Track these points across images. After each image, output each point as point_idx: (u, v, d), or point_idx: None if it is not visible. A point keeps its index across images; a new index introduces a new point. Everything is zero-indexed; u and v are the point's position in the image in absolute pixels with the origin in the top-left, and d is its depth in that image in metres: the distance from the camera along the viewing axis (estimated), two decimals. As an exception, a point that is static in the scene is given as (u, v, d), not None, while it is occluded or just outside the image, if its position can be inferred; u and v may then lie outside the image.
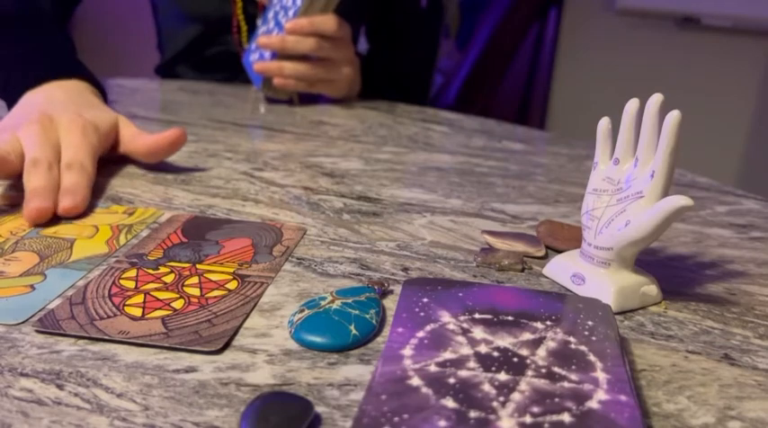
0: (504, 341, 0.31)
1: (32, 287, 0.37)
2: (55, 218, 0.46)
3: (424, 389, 0.27)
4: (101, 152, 0.55)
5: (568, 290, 0.40)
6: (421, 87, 1.11)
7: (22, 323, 0.33)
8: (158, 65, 1.07)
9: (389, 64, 1.04)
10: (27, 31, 0.69)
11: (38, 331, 0.33)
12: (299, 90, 0.84)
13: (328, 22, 0.79)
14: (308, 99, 0.87)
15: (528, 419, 0.25)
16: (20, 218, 0.46)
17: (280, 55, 0.81)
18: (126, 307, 0.35)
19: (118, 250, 0.42)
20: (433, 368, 0.28)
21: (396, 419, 0.25)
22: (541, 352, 0.30)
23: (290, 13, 0.80)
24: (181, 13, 0.98)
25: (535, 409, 0.26)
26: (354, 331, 0.33)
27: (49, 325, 0.33)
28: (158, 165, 0.59)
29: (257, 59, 0.85)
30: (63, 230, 0.45)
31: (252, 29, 0.92)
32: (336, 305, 0.35)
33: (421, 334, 0.31)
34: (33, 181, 0.47)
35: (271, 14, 0.85)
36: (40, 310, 0.35)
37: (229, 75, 0.98)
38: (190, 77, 1.01)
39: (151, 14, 1.06)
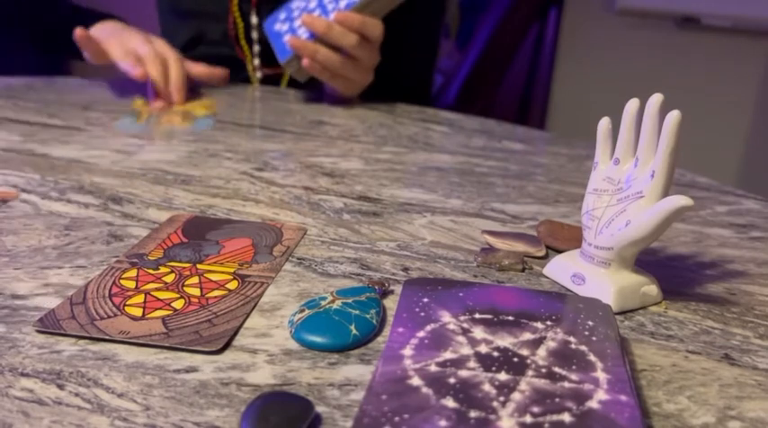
0: (505, 341, 0.31)
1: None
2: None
3: (425, 389, 0.27)
4: None
5: (568, 290, 0.40)
6: (421, 87, 1.11)
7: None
8: None
9: (390, 64, 1.04)
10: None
11: (38, 331, 0.33)
12: (320, 77, 0.83)
13: (377, 27, 0.79)
14: (307, 98, 0.87)
15: (528, 419, 0.25)
16: (146, 102, 0.79)
17: (318, 39, 0.80)
18: (126, 307, 0.35)
19: (216, 114, 0.78)
20: (433, 368, 0.28)
21: (396, 419, 0.25)
22: (542, 352, 0.30)
23: (342, 3, 0.80)
24: (178, 10, 0.98)
25: (535, 409, 0.26)
26: (354, 331, 0.33)
27: (49, 325, 0.33)
28: (158, 165, 0.59)
29: (286, 31, 0.84)
30: (178, 109, 0.79)
31: (248, 25, 0.93)
32: (337, 305, 0.35)
33: (421, 333, 0.31)
34: (154, 72, 0.80)
35: None
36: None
37: (230, 76, 0.98)
38: None
39: (154, 14, 1.06)
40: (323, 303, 0.35)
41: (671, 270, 0.44)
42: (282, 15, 0.87)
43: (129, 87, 0.85)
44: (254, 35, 0.95)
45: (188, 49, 1.00)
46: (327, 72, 0.82)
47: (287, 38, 0.82)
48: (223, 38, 0.96)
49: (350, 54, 0.81)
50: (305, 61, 0.81)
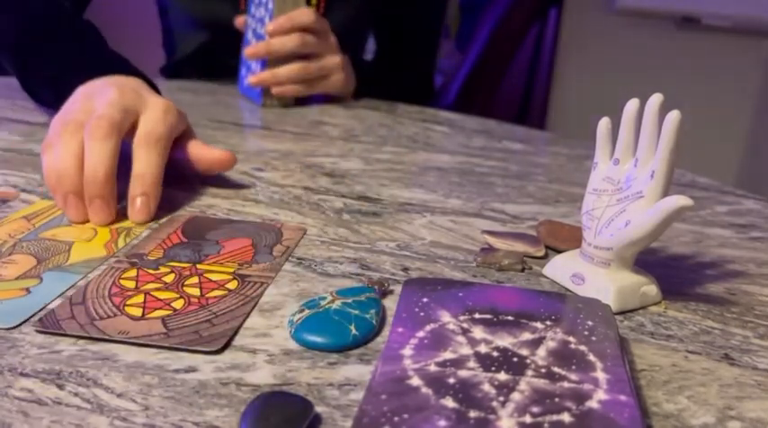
0: (504, 341, 0.31)
1: (28, 290, 0.37)
2: (54, 221, 0.46)
3: (424, 389, 0.27)
4: (172, 138, 0.52)
5: (568, 290, 0.40)
6: (423, 87, 1.11)
7: (15, 327, 0.33)
8: (164, 66, 1.07)
9: (391, 65, 1.05)
10: (66, 30, 0.67)
11: (38, 331, 0.33)
12: (299, 94, 0.84)
13: (304, 13, 0.80)
14: (305, 99, 0.87)
15: (528, 419, 0.25)
16: (19, 220, 0.46)
17: (270, 64, 0.81)
18: (126, 307, 0.35)
19: (116, 253, 0.42)
20: (432, 368, 0.28)
21: (396, 419, 0.25)
22: (541, 351, 0.30)
23: (267, 20, 0.81)
24: (191, 18, 0.98)
25: (535, 409, 0.26)
26: (354, 331, 0.33)
27: (49, 324, 0.33)
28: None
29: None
30: (61, 233, 0.44)
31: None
32: (336, 305, 0.35)
33: (421, 333, 0.31)
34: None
35: (250, 34, 0.86)
36: (33, 314, 0.34)
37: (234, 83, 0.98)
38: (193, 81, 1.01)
39: (155, 15, 1.06)
40: (322, 303, 0.35)
41: (671, 270, 0.44)
42: (243, 71, 0.88)
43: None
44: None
45: (199, 58, 1.00)
46: (301, 84, 0.83)
47: (247, 81, 0.83)
48: (236, 45, 0.95)
49: (304, 54, 0.81)
50: (274, 89, 0.82)
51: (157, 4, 1.04)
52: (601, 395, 0.27)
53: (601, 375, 0.28)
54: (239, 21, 0.88)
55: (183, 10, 0.98)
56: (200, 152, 0.54)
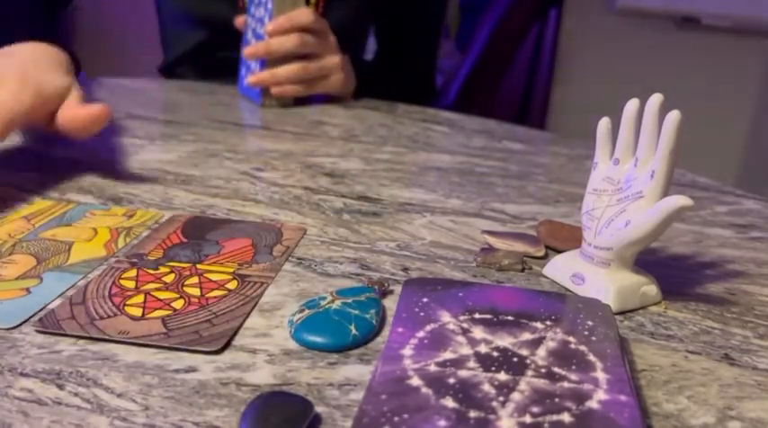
0: (504, 341, 0.31)
1: (28, 290, 0.37)
2: (54, 221, 0.46)
3: (424, 389, 0.27)
4: (34, 116, 0.51)
5: (568, 290, 0.40)
6: (423, 87, 1.11)
7: (16, 327, 0.33)
8: (162, 65, 1.07)
9: (394, 68, 1.05)
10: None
11: (38, 331, 0.33)
12: (298, 95, 0.84)
13: (304, 13, 0.80)
14: (305, 99, 0.87)
15: (528, 419, 0.25)
16: (19, 220, 0.46)
17: (269, 64, 0.82)
18: (126, 307, 0.35)
19: (116, 253, 0.42)
20: (432, 368, 0.28)
21: (396, 419, 0.25)
22: (541, 351, 0.30)
23: (266, 20, 0.81)
24: (188, 16, 0.98)
25: (535, 409, 0.26)
26: (354, 331, 0.33)
27: (49, 324, 0.33)
28: (158, 165, 0.59)
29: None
30: (61, 233, 0.44)
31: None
32: (336, 305, 0.35)
33: (421, 333, 0.31)
34: None
35: (249, 34, 0.86)
36: (34, 314, 0.34)
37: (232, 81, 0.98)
38: (192, 80, 1.01)
39: (153, 14, 1.06)
40: (322, 303, 0.35)
41: (671, 270, 0.44)
42: (243, 70, 0.88)
43: (122, 92, 0.84)
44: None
45: (196, 56, 1.00)
46: (300, 85, 0.83)
47: (246, 81, 0.83)
48: (234, 42, 0.95)
49: (304, 55, 0.81)
50: (273, 90, 0.82)
51: (155, 3, 1.04)
52: (601, 395, 0.27)
53: (601, 375, 0.28)
54: (239, 20, 0.88)
55: (181, 8, 0.98)
56: (72, 112, 0.52)
